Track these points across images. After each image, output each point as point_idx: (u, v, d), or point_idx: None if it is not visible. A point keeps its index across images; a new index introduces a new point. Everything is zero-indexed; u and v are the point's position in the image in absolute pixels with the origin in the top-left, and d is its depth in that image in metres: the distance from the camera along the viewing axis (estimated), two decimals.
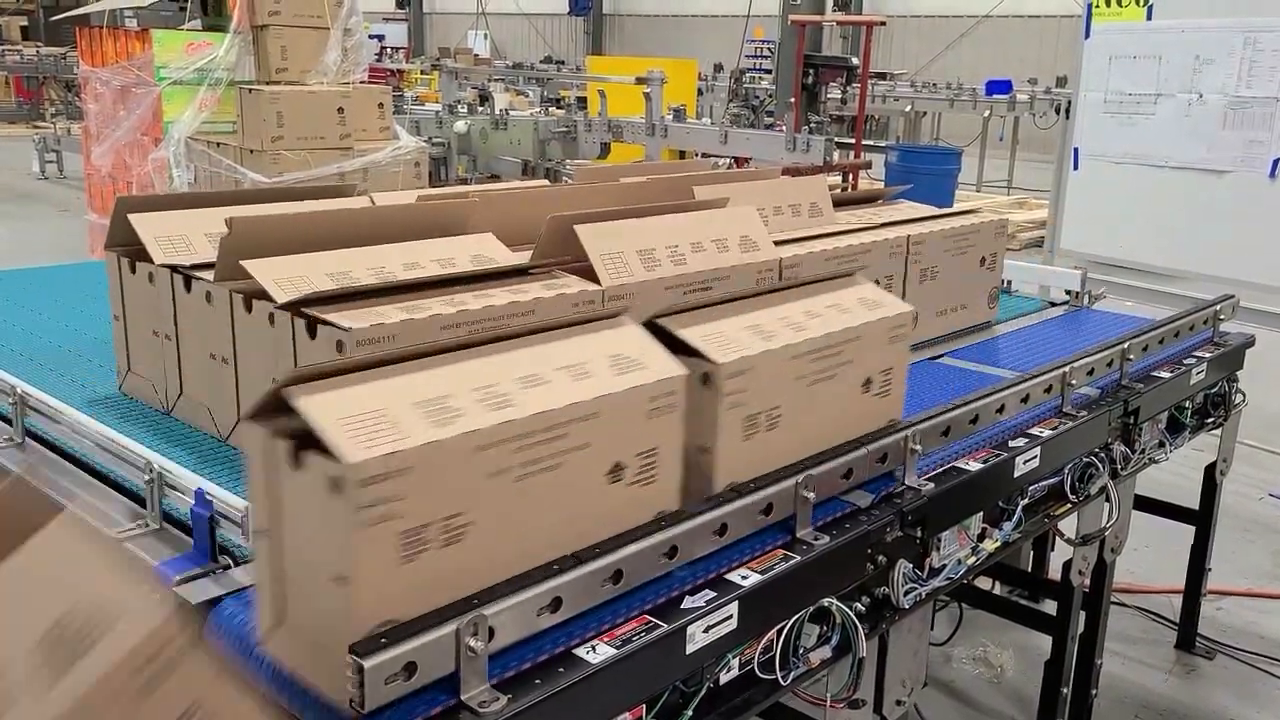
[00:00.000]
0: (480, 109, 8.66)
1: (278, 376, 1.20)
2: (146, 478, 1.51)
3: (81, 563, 0.97)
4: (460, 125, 8.16)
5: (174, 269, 1.85)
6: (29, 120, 18.21)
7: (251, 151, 5.56)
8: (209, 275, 1.78)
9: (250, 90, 5.57)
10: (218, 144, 5.80)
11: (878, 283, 2.35)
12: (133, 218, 1.89)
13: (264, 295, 1.62)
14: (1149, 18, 4.57)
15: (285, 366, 1.59)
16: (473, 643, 1.15)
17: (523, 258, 1.88)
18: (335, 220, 1.89)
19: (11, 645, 0.87)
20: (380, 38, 23.40)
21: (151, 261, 1.87)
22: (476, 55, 20.84)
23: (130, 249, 1.94)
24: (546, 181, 3.06)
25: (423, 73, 17.59)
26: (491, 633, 1.17)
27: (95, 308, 2.68)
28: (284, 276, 1.61)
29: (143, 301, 1.95)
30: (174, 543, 1.47)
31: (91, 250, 7.03)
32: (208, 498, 1.40)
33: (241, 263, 1.62)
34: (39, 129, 15.55)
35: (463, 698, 1.14)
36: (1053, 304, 3.18)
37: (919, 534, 1.73)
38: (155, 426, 1.90)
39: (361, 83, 6.13)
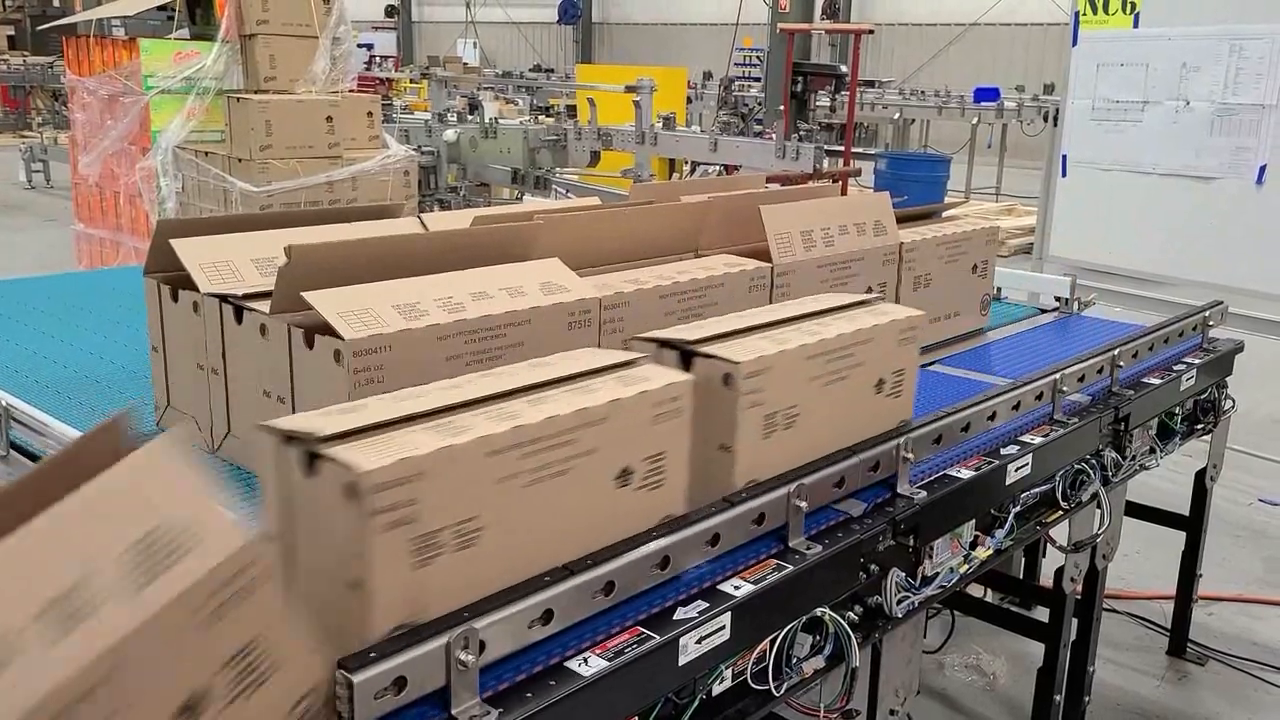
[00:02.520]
0: (470, 117, 8.67)
1: None
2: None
3: (174, 482, 0.99)
4: (450, 134, 8.15)
5: (223, 299, 1.71)
6: (15, 129, 18.16)
7: (240, 160, 5.54)
8: (261, 305, 1.65)
9: (238, 99, 5.56)
10: (206, 153, 5.78)
11: (870, 290, 2.41)
12: (175, 243, 1.76)
13: (327, 329, 1.50)
14: (1136, 26, 4.59)
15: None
16: (463, 656, 1.14)
17: (590, 283, 1.83)
18: (396, 246, 1.76)
19: (100, 552, 0.91)
20: (369, 46, 23.38)
21: (195, 289, 1.74)
22: (465, 64, 20.80)
23: (170, 275, 1.81)
24: (598, 200, 2.96)
25: (412, 81, 17.58)
26: (482, 646, 1.16)
27: (96, 324, 2.67)
28: (349, 309, 1.51)
29: (186, 332, 1.82)
30: None
31: (79, 261, 7.00)
32: None
33: (303, 294, 1.51)
34: (25, 138, 15.51)
35: (453, 712, 1.13)
36: (1042, 310, 3.19)
37: (911, 542, 1.72)
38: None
39: (350, 91, 6.11)
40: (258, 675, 1.05)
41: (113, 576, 0.91)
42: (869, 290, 2.43)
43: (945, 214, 3.01)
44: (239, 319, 1.69)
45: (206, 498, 1.00)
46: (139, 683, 0.90)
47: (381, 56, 24.52)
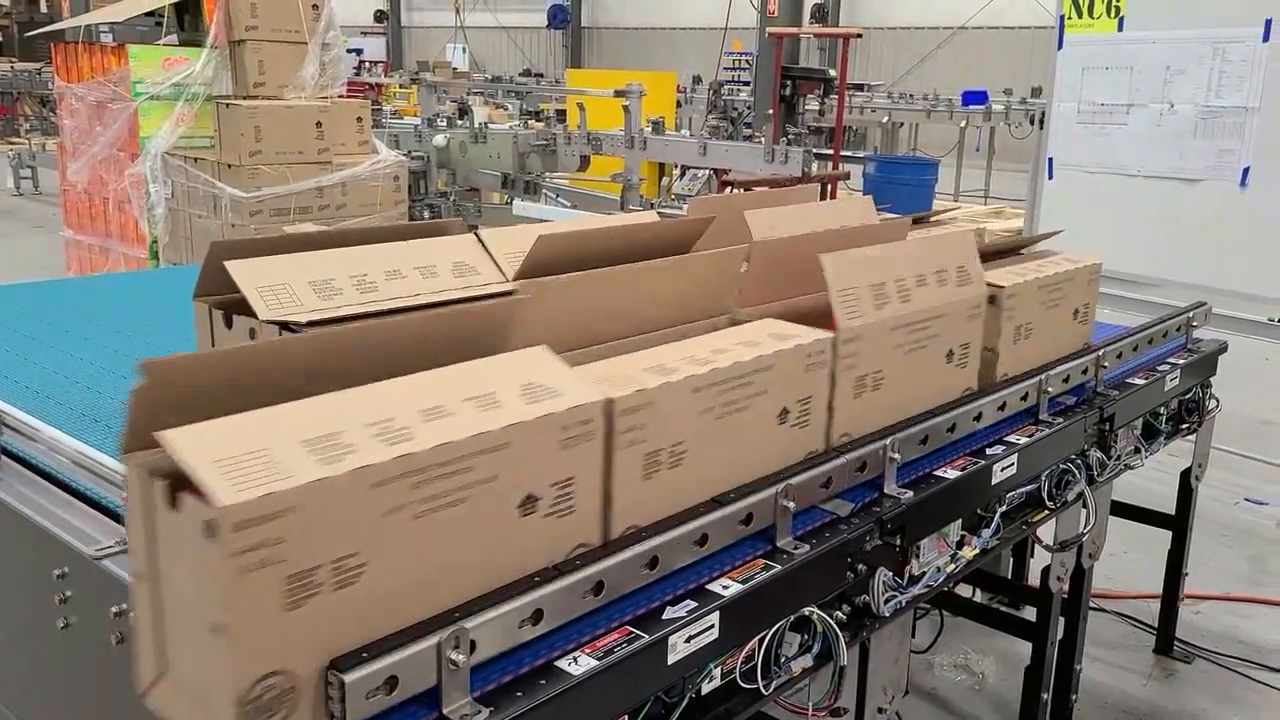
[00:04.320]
0: (459, 122, 8.67)
1: None
2: (125, 494, 1.50)
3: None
4: (439, 139, 8.16)
5: (283, 326, 1.60)
6: (3, 136, 18.07)
7: (229, 166, 5.55)
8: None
9: (228, 105, 5.56)
10: (195, 159, 5.78)
11: (952, 354, 2.04)
12: (230, 265, 1.66)
13: None
14: (1120, 29, 4.63)
15: None
16: (454, 655, 1.15)
17: (594, 375, 1.43)
18: (278, 356, 1.31)
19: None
20: (358, 51, 23.35)
21: (249, 314, 1.63)
22: (455, 69, 20.86)
23: (222, 299, 1.71)
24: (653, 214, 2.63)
25: (401, 86, 17.56)
26: (473, 645, 1.17)
27: (87, 329, 2.67)
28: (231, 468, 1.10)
29: None
30: None
31: (68, 267, 6.99)
32: None
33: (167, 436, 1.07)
34: (14, 145, 15.44)
35: (444, 711, 1.15)
36: None
37: (898, 542, 1.74)
38: None
39: (340, 97, 6.12)
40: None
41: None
42: (950, 354, 2.03)
43: (933, 219, 2.97)
44: None
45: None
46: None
47: (371, 62, 24.51)
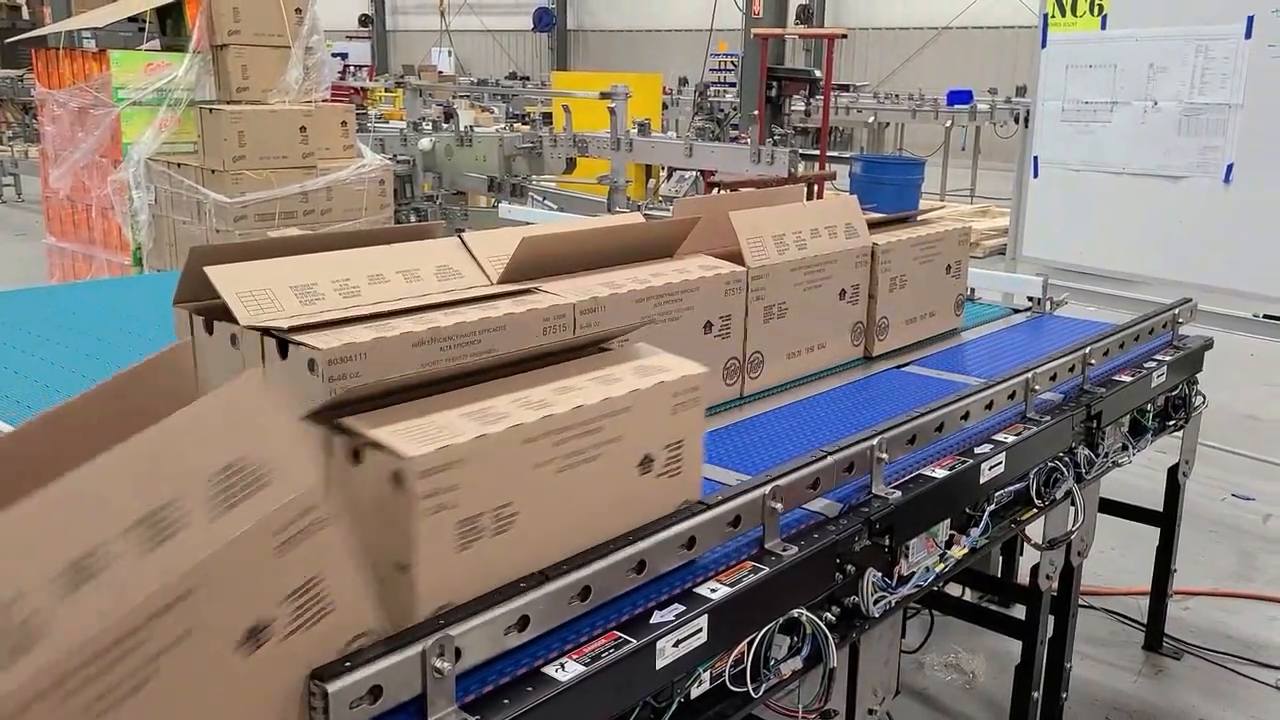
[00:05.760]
0: (445, 126, 8.64)
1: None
2: None
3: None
4: (425, 142, 8.13)
5: (264, 331, 1.57)
6: None
7: (213, 172, 5.51)
8: (305, 339, 1.52)
9: (211, 110, 5.53)
10: (178, 164, 5.75)
11: (843, 294, 2.39)
12: (210, 271, 1.63)
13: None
14: (1103, 27, 4.64)
15: None
16: (439, 664, 1.13)
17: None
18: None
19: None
20: (343, 56, 23.30)
21: (232, 320, 1.61)
22: (441, 72, 20.82)
23: (202, 305, 1.69)
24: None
25: (387, 90, 17.53)
26: (458, 653, 1.16)
27: (68, 337, 2.65)
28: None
29: (222, 367, 1.65)
30: None
31: (51, 274, 6.94)
32: None
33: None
34: None
35: (430, 719, 1.13)
36: (1016, 311, 3.22)
37: (887, 542, 1.73)
38: None
39: (324, 101, 6.09)
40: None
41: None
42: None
43: (920, 218, 3.04)
44: (283, 354, 1.54)
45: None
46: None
47: (356, 66, 24.46)
